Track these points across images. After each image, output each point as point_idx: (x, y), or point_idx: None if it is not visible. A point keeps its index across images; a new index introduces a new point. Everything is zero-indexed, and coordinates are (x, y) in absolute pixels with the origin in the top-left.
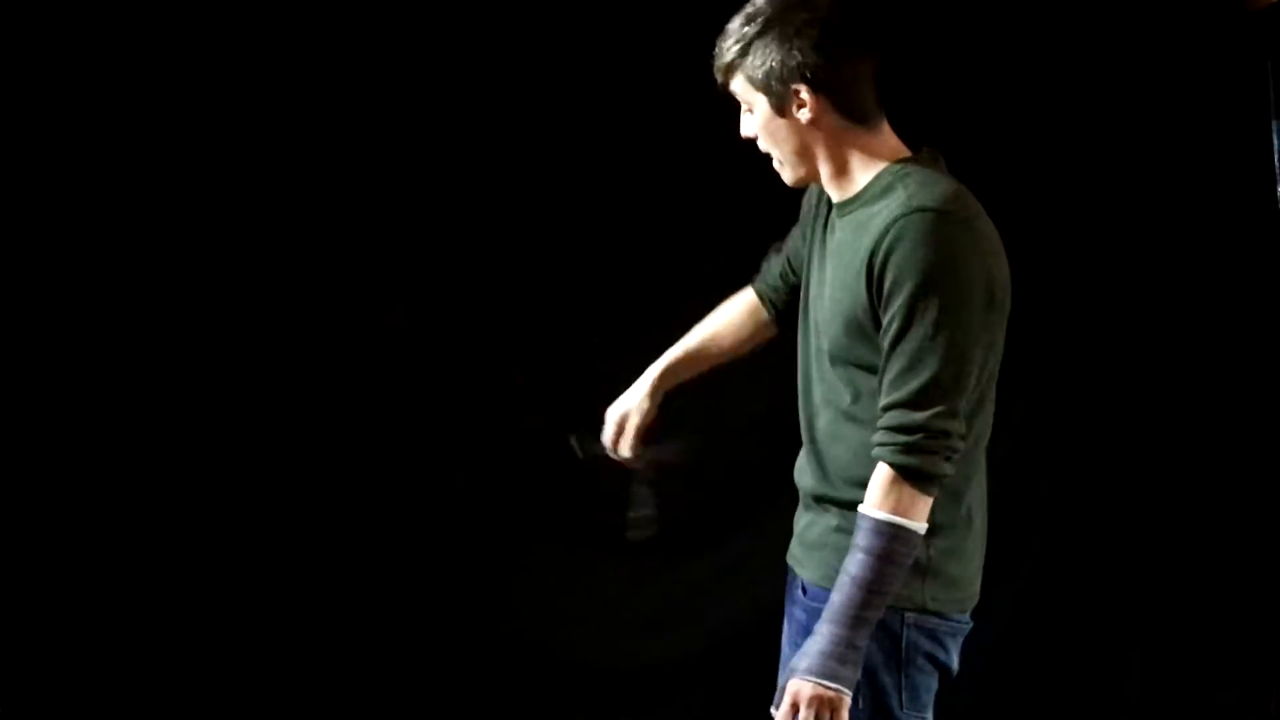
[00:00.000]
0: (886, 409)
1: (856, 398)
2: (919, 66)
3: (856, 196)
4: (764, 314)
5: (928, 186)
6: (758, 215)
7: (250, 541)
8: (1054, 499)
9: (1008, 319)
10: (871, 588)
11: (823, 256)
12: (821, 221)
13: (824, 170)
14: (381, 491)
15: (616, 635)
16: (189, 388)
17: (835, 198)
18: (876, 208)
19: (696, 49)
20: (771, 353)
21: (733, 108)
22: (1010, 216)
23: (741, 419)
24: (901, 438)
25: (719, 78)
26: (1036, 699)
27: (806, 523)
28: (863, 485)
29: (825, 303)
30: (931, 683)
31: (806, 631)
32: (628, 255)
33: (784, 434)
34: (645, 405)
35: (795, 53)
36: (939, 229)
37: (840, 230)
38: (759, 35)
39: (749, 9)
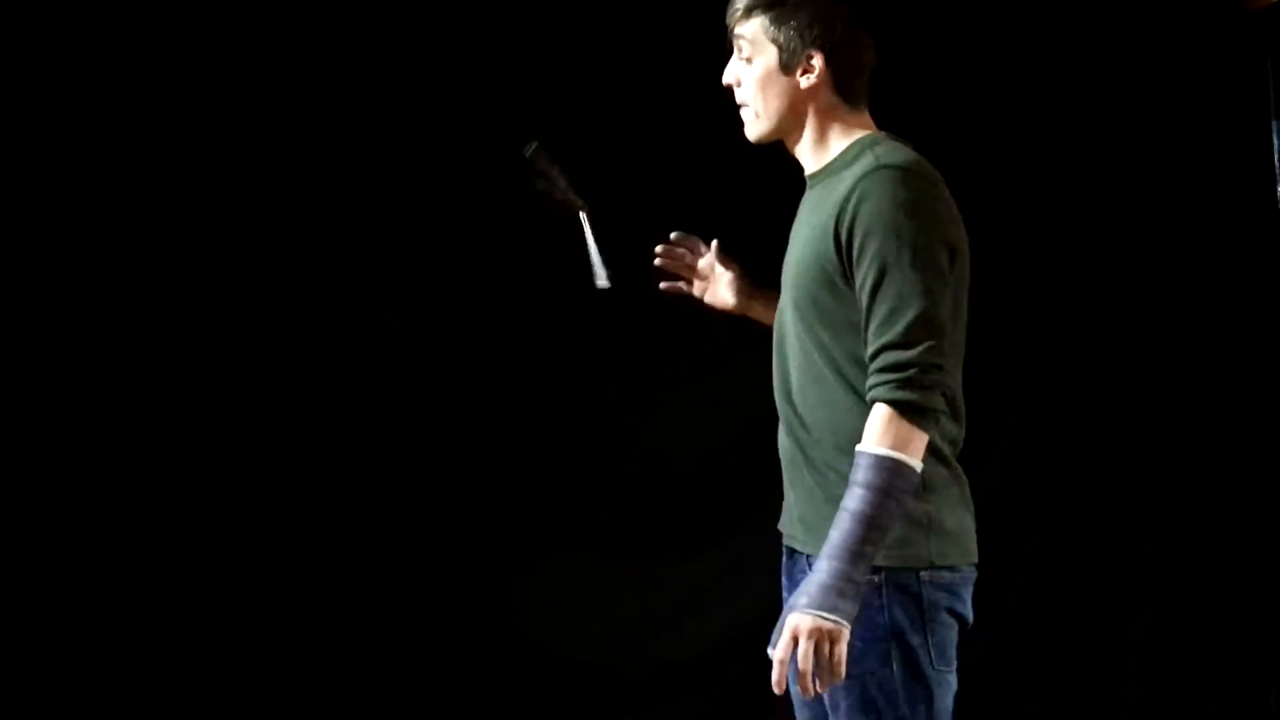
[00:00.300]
0: (877, 353)
1: (830, 361)
2: (920, 66)
3: (828, 165)
4: None
5: (895, 151)
6: (752, 218)
7: (252, 542)
8: (1054, 499)
9: (1002, 313)
10: (871, 522)
11: (793, 234)
12: (800, 210)
13: (806, 136)
14: (383, 494)
15: (617, 635)
16: (192, 390)
17: (808, 167)
18: (845, 172)
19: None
20: (769, 353)
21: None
22: (1010, 216)
23: (741, 420)
24: (896, 375)
25: (735, 15)
26: (1037, 699)
27: (802, 500)
28: (848, 449)
29: (794, 267)
30: (953, 635)
31: None
32: (628, 257)
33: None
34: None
35: (824, 21)
36: (904, 183)
37: (810, 197)
38: None
39: None
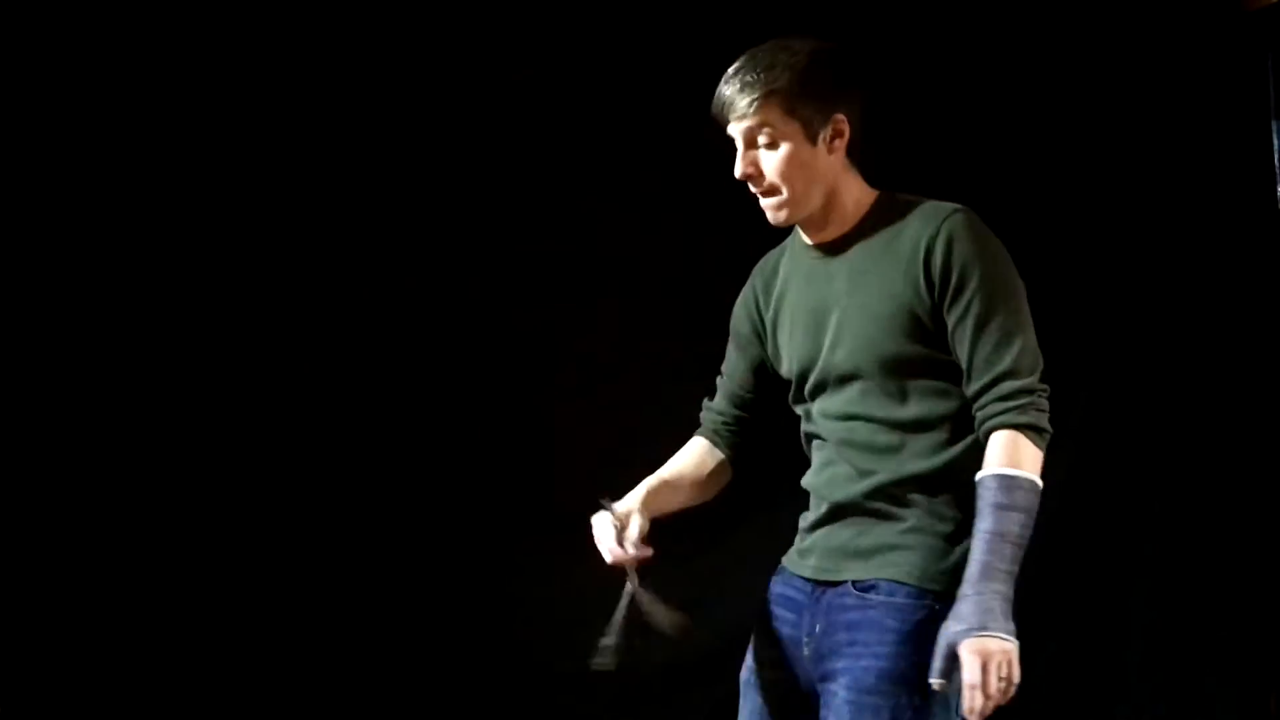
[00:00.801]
0: (993, 383)
1: (906, 401)
2: (920, 65)
3: (856, 227)
4: (720, 455)
5: (939, 202)
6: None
7: (249, 541)
8: (1053, 499)
9: None
10: (1017, 541)
11: (822, 300)
12: (800, 280)
13: (832, 202)
14: (381, 495)
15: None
16: (190, 390)
17: (831, 232)
18: (899, 223)
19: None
20: None
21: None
22: (1010, 216)
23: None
24: (1018, 401)
25: (750, 107)
26: (1037, 699)
27: (854, 533)
28: (929, 481)
29: (861, 327)
30: None
31: (854, 629)
32: (624, 259)
33: (782, 434)
34: (639, 512)
35: (842, 81)
36: (981, 226)
37: (851, 260)
38: (809, 65)
39: (776, 45)
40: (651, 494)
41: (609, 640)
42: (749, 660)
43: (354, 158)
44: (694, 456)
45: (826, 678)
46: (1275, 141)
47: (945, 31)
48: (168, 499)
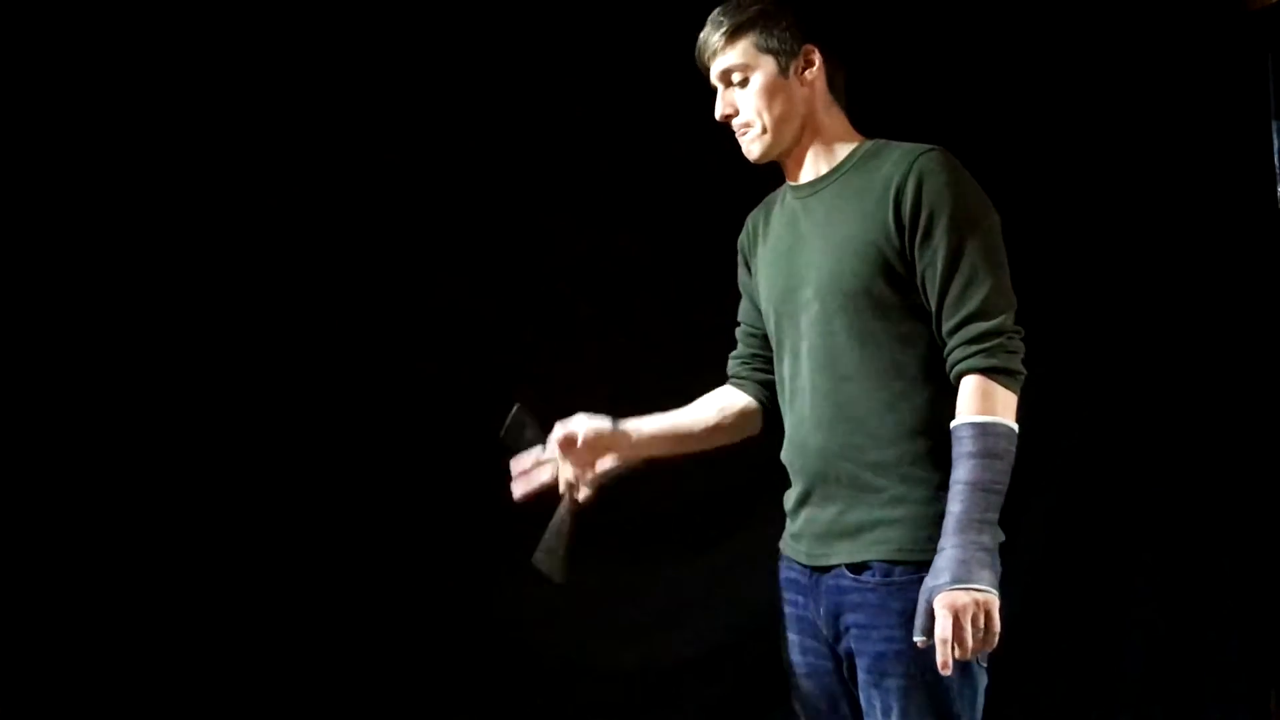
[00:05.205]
0: (959, 325)
1: (869, 346)
2: (920, 65)
3: (837, 168)
4: (745, 399)
5: (919, 144)
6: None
7: (246, 542)
8: (1053, 498)
9: None
10: (992, 488)
11: (797, 240)
12: (783, 223)
13: (811, 141)
14: (378, 495)
15: (615, 637)
16: (188, 391)
17: (814, 172)
18: (876, 164)
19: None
20: None
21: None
22: (1009, 215)
23: None
24: (986, 344)
25: (719, 46)
26: (1037, 698)
27: (837, 510)
28: (897, 440)
29: (833, 265)
30: None
31: (858, 612)
32: (622, 264)
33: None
34: (608, 429)
35: (808, 16)
36: (954, 165)
37: (826, 200)
38: (774, 1)
39: None
40: (648, 438)
41: (552, 547)
42: (786, 641)
43: (342, 159)
44: (711, 400)
45: (850, 656)
46: (1275, 141)
47: (946, 32)
48: (167, 503)
